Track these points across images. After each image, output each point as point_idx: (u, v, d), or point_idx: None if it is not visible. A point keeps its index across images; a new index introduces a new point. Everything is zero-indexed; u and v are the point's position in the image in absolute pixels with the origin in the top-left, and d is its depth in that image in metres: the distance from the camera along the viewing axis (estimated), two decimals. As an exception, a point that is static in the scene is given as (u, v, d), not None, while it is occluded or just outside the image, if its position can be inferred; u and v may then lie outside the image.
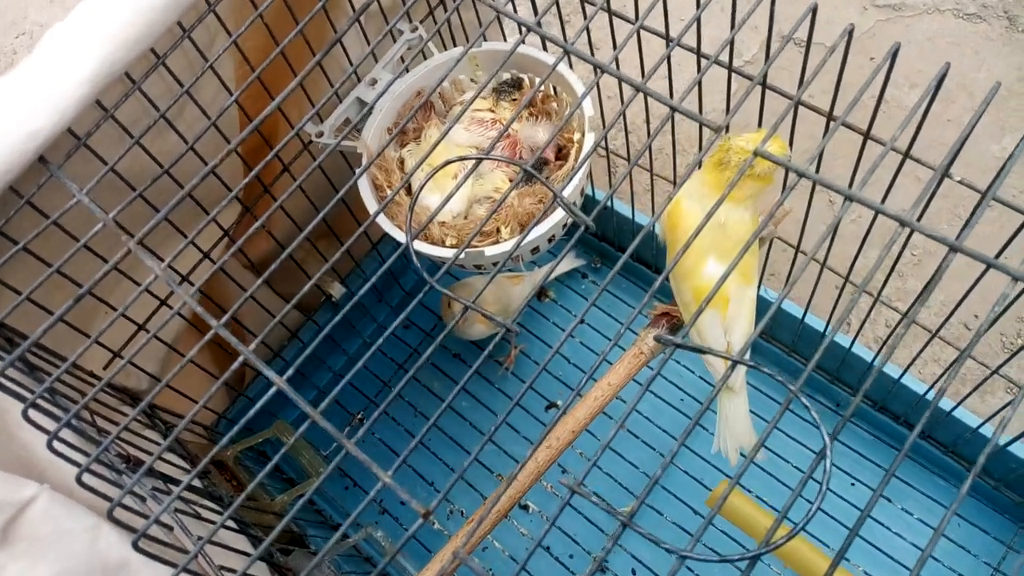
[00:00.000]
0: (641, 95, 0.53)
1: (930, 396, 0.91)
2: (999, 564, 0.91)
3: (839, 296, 0.96)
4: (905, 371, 0.91)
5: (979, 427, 0.87)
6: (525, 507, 1.03)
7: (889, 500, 0.98)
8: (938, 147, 1.22)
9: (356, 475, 1.08)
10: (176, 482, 0.68)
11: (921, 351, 0.83)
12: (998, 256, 0.51)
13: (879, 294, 0.83)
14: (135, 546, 0.46)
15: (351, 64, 0.85)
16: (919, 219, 0.52)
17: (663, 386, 1.07)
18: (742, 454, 0.76)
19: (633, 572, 0.97)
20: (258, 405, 0.46)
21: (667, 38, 0.61)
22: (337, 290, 1.00)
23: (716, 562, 0.39)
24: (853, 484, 0.99)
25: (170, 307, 0.77)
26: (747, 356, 0.68)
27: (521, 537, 1.01)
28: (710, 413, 1.06)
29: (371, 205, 0.81)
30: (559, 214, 0.75)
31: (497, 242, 0.77)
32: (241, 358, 0.47)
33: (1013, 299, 0.57)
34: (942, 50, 1.32)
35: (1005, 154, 1.22)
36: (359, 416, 1.12)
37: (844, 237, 1.19)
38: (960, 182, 0.60)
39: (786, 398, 0.42)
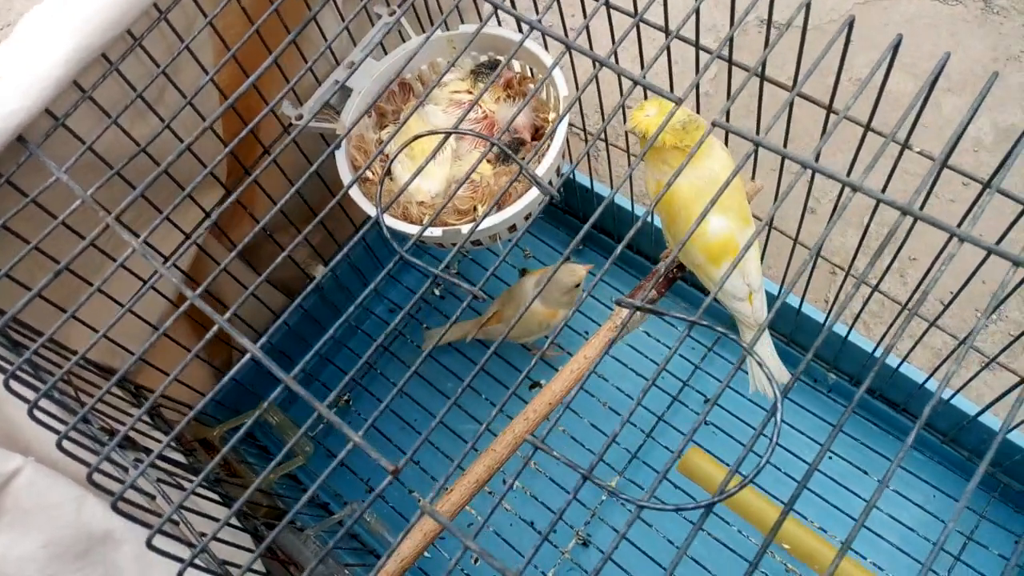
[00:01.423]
0: (610, 72, 0.55)
1: (923, 380, 0.93)
2: (971, 533, 0.93)
3: (812, 270, 0.97)
4: (878, 345, 0.93)
5: (950, 397, 0.89)
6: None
7: (865, 472, 1.00)
8: (918, 127, 1.24)
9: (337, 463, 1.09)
10: (161, 456, 0.69)
11: (892, 323, 0.85)
12: (973, 236, 0.53)
13: (850, 269, 0.85)
14: (114, 507, 0.48)
15: (331, 48, 0.86)
16: (883, 187, 0.54)
17: (645, 365, 1.09)
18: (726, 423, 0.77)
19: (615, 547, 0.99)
20: (232, 372, 0.47)
21: (635, 15, 0.63)
22: (320, 271, 1.02)
23: (671, 510, 0.40)
24: (830, 456, 1.01)
25: (149, 285, 0.78)
26: (761, 304, 0.71)
27: (505, 512, 1.03)
28: (702, 378, 1.08)
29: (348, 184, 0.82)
30: (534, 192, 0.76)
31: (474, 220, 0.78)
32: (216, 327, 0.49)
33: (1015, 286, 0.58)
34: (919, 32, 1.33)
35: (981, 134, 1.23)
36: (345, 398, 1.13)
37: (834, 222, 1.21)
38: (920, 152, 0.62)
39: (740, 356, 0.44)
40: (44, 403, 0.53)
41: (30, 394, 0.55)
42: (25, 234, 0.62)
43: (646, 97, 0.75)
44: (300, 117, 0.80)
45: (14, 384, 0.53)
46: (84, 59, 0.58)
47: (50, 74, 0.56)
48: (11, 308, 0.66)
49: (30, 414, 0.51)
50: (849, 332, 0.94)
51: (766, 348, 0.77)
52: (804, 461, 1.00)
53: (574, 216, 1.20)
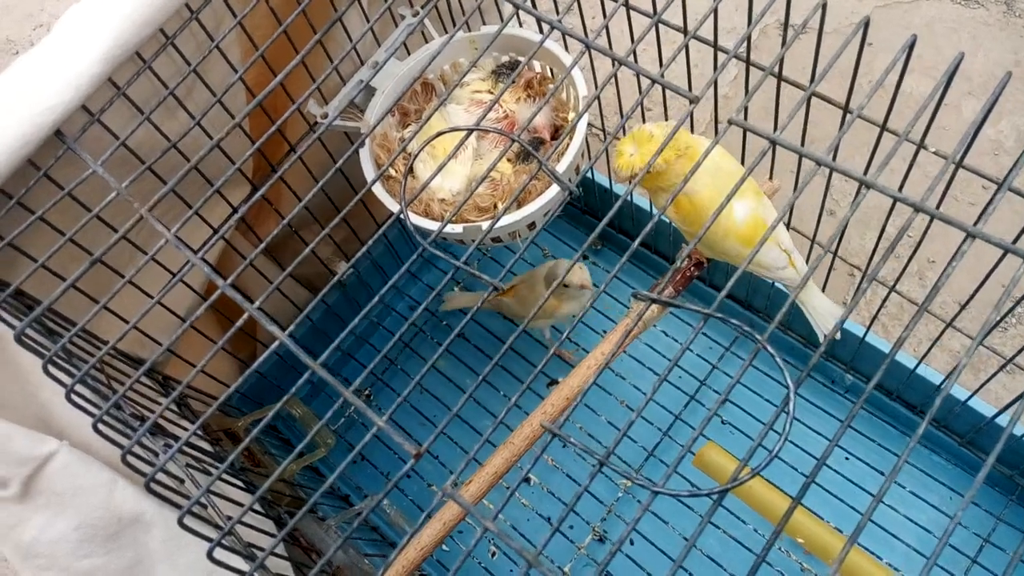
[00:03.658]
0: (629, 73, 0.56)
1: (940, 381, 0.93)
2: (989, 535, 0.93)
3: (830, 267, 0.97)
4: (895, 346, 0.93)
5: (967, 399, 0.89)
6: (527, 480, 1.06)
7: (883, 474, 1.00)
8: (936, 130, 1.24)
9: (363, 448, 1.11)
10: (190, 444, 0.71)
11: (909, 324, 0.85)
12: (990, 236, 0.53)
13: (867, 269, 0.85)
14: (147, 487, 0.49)
15: (356, 48, 0.88)
16: (899, 187, 0.55)
17: (662, 364, 1.10)
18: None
19: (631, 543, 1.00)
20: (262, 357, 0.49)
21: (653, 15, 0.64)
22: (343, 268, 1.03)
23: (686, 495, 0.41)
24: (847, 458, 1.02)
25: (182, 274, 0.80)
26: (801, 262, 0.74)
27: (522, 508, 1.04)
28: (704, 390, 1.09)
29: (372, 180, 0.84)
30: (554, 189, 0.78)
31: (493, 217, 0.79)
32: (246, 314, 0.50)
33: None
34: (940, 36, 1.33)
35: (1001, 137, 1.23)
36: (367, 392, 1.15)
37: (847, 217, 1.21)
38: (935, 152, 0.63)
39: (753, 349, 0.45)
40: (78, 388, 0.55)
41: (66, 380, 0.57)
42: (57, 224, 0.64)
43: (664, 97, 0.76)
44: (325, 116, 0.81)
45: (51, 369, 0.55)
46: (120, 57, 0.60)
47: (87, 71, 0.59)
48: (45, 297, 0.69)
49: (68, 397, 0.53)
50: (866, 333, 0.94)
51: (815, 295, 0.80)
52: (823, 462, 1.00)
53: (593, 216, 1.21)
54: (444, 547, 1.04)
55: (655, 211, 1.08)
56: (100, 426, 0.53)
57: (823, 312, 0.79)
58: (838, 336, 0.82)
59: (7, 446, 0.59)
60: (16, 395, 0.65)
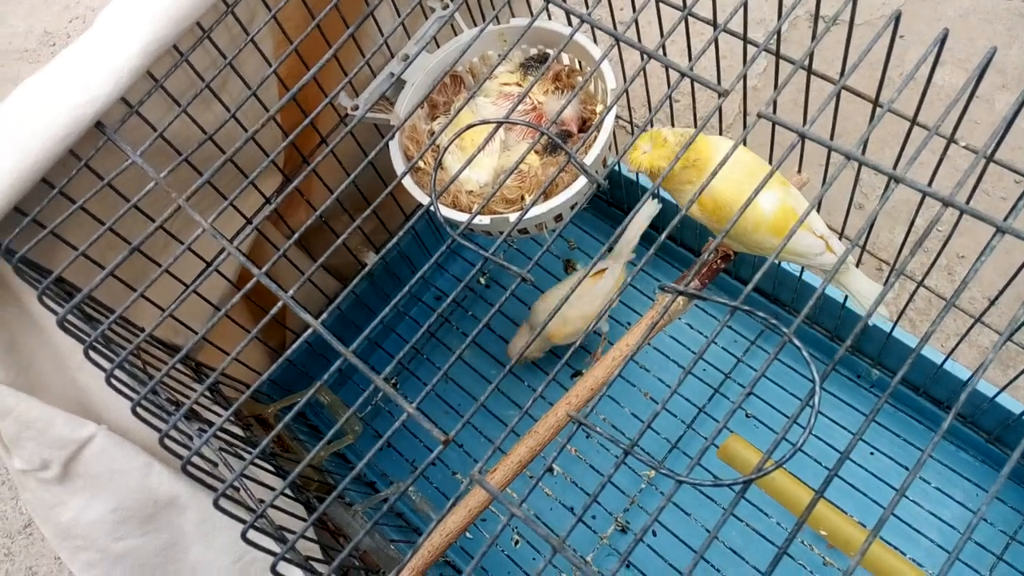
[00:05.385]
0: (658, 66, 0.56)
1: (967, 376, 0.93)
2: (1015, 533, 0.92)
3: (858, 261, 0.97)
4: (922, 340, 0.92)
5: (995, 395, 0.89)
6: (551, 470, 1.07)
7: (908, 470, 0.99)
8: (967, 123, 1.23)
9: (389, 436, 1.13)
10: (223, 429, 0.73)
11: (938, 319, 0.85)
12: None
13: (895, 263, 0.85)
14: (184, 469, 0.51)
15: (387, 42, 0.89)
16: (929, 181, 0.54)
17: (687, 356, 1.10)
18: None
19: (654, 534, 1.01)
20: (295, 345, 0.50)
21: (683, 8, 0.64)
22: (371, 258, 1.05)
23: (710, 485, 0.42)
24: (872, 453, 1.01)
25: (217, 263, 0.82)
26: (838, 245, 0.73)
27: (546, 497, 1.05)
28: (720, 378, 1.09)
29: (401, 171, 0.85)
30: (581, 182, 0.78)
31: (521, 209, 0.80)
32: (280, 303, 0.52)
33: None
34: (973, 28, 1.31)
35: (1035, 131, 1.21)
36: (393, 381, 1.17)
37: (876, 211, 1.21)
38: (965, 147, 0.62)
39: (779, 342, 0.45)
40: (117, 373, 0.57)
41: (105, 364, 0.58)
42: (97, 213, 0.66)
43: (693, 90, 0.76)
44: (356, 108, 0.82)
45: (91, 354, 0.56)
46: (158, 50, 0.62)
47: (127, 64, 0.60)
48: (83, 283, 0.71)
49: (108, 382, 0.55)
50: (894, 327, 0.94)
51: (856, 278, 0.78)
52: (847, 456, 1.00)
53: (619, 209, 1.21)
54: (468, 534, 1.06)
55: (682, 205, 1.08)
56: (138, 410, 0.54)
57: (867, 294, 0.78)
58: (885, 314, 0.80)
59: (48, 429, 0.61)
60: (56, 379, 0.67)
